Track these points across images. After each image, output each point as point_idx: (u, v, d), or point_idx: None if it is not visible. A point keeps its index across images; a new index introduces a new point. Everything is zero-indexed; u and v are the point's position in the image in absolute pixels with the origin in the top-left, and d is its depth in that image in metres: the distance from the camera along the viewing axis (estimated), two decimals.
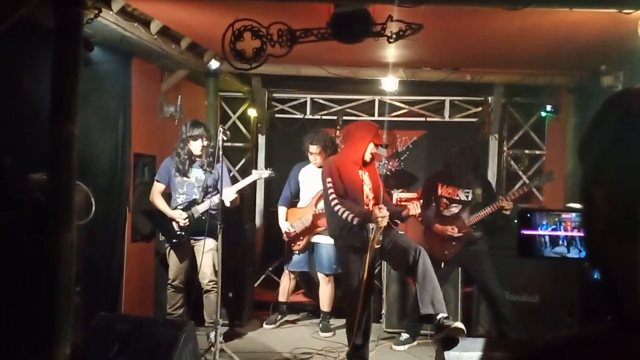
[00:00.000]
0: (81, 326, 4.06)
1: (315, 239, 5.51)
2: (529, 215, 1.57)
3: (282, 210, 5.65)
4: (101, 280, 4.95)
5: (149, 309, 5.55)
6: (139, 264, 5.56)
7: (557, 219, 1.52)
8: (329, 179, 4.19)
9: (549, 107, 6.31)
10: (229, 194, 4.70)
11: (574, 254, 1.56)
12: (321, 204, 5.40)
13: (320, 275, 5.55)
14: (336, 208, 4.12)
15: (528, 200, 6.74)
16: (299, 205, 5.64)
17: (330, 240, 5.37)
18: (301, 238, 5.49)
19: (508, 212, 4.77)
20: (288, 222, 5.54)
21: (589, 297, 4.67)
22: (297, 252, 5.54)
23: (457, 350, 3.57)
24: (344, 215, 4.08)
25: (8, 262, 3.53)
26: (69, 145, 3.32)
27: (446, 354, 3.54)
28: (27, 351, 3.40)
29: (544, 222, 1.48)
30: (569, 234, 1.53)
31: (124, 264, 5.26)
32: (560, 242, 1.56)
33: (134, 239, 5.47)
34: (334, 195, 4.14)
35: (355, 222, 4.05)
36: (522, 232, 1.55)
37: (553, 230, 1.55)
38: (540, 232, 1.59)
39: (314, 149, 5.49)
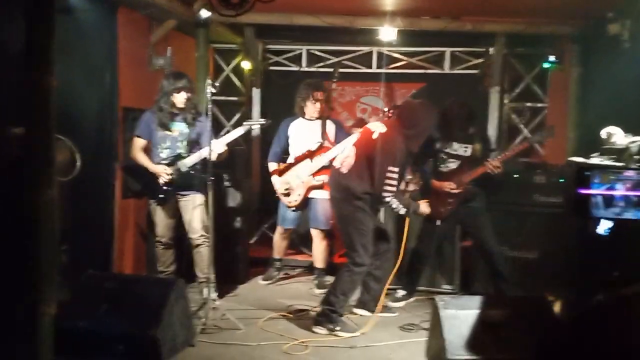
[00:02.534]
0: (69, 285, 3.99)
1: (312, 194, 5.37)
2: (586, 173, 1.40)
3: (273, 166, 5.50)
4: (91, 238, 4.85)
5: (143, 266, 5.47)
6: (131, 221, 5.45)
7: (613, 178, 1.36)
8: (395, 161, 4.13)
9: (552, 58, 6.08)
10: (218, 146, 4.54)
11: (630, 214, 1.42)
12: (318, 159, 5.26)
13: (314, 232, 5.44)
14: (388, 196, 4.15)
15: (529, 155, 6.59)
16: (289, 160, 5.48)
17: (326, 195, 5.27)
18: (298, 194, 5.35)
19: (495, 173, 4.63)
20: (280, 178, 5.40)
21: (588, 252, 4.57)
22: (293, 209, 5.41)
23: (453, 308, 3.48)
24: (393, 204, 4.20)
25: None
26: (45, 96, 3.14)
27: (442, 311, 3.48)
28: (11, 312, 3.30)
29: (597, 181, 1.33)
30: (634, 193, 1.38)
31: (115, 221, 5.15)
32: (616, 202, 1.41)
33: (125, 195, 5.34)
34: (394, 182, 4.14)
35: (400, 212, 4.27)
36: (579, 191, 1.39)
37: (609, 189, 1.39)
38: (602, 191, 1.43)
39: (319, 95, 5.31)
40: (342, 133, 5.40)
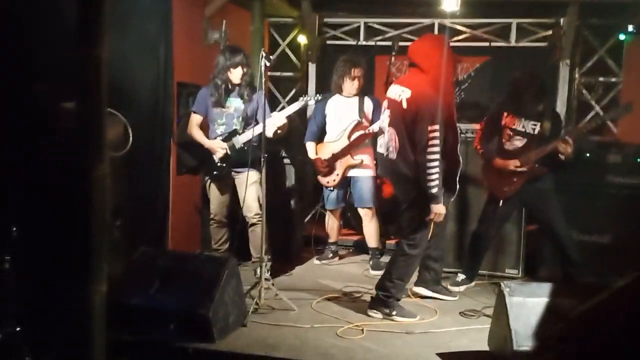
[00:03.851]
0: (122, 260, 3.95)
1: (352, 172, 5.21)
2: None
3: (310, 146, 5.36)
4: (146, 214, 4.81)
5: (197, 243, 5.43)
6: (185, 197, 5.40)
7: None
8: (433, 117, 3.72)
9: (631, 28, 5.64)
10: (278, 120, 4.41)
11: None
12: (356, 135, 5.08)
13: (362, 211, 5.27)
14: (433, 160, 3.75)
15: (601, 133, 6.20)
16: (326, 139, 5.32)
17: (369, 173, 5.10)
18: (336, 173, 5.19)
19: (564, 154, 4.28)
20: (318, 157, 5.25)
21: None
22: (331, 188, 5.26)
23: (521, 295, 3.25)
24: (433, 174, 3.75)
25: (42, 196, 3.40)
26: (97, 70, 3.05)
27: (509, 299, 3.24)
28: (62, 288, 3.28)
29: None
30: None
31: (170, 197, 5.10)
32: None
33: (180, 171, 5.28)
34: (437, 142, 3.74)
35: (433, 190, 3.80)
36: None
37: None
38: None
39: (357, 72, 5.14)
40: (378, 111, 5.18)
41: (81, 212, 3.15)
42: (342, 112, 5.24)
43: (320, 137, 5.38)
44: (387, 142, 4.02)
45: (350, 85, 5.17)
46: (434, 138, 3.74)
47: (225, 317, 3.67)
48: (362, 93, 5.27)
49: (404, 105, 3.87)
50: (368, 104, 5.26)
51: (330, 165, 5.21)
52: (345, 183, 5.27)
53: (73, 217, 3.20)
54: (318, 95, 4.71)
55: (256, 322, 3.91)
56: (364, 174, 5.18)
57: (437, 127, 3.74)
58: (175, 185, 5.18)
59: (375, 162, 5.22)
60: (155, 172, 4.97)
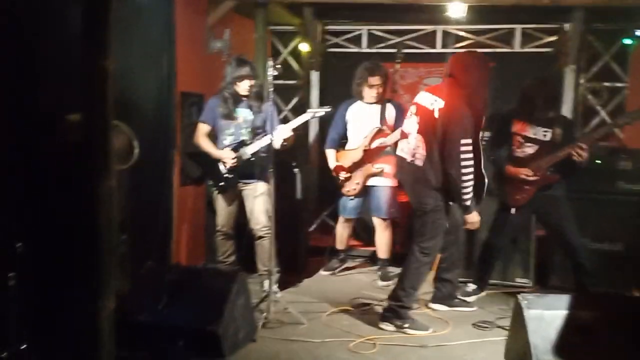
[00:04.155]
0: (129, 276, 3.87)
1: (371, 181, 5.11)
2: None
3: (331, 153, 5.26)
4: (149, 227, 4.71)
5: (200, 256, 5.35)
6: (189, 209, 5.33)
7: None
8: (465, 131, 3.77)
9: (638, 32, 5.58)
10: (285, 132, 4.33)
11: None
12: (377, 142, 5.00)
13: (377, 221, 5.17)
14: (467, 173, 3.79)
15: (606, 139, 6.13)
16: (347, 146, 5.22)
17: (388, 182, 5.01)
18: (356, 182, 5.10)
19: (580, 160, 4.21)
20: (338, 164, 5.16)
21: None
22: (351, 197, 5.16)
23: (539, 308, 3.17)
24: (466, 187, 3.80)
25: (46, 212, 3.31)
26: (103, 81, 2.98)
27: (527, 312, 3.16)
28: (69, 305, 3.19)
29: None
30: None
31: (173, 209, 5.01)
32: None
33: (183, 182, 5.21)
34: (470, 155, 3.79)
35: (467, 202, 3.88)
36: None
37: None
38: None
39: (375, 80, 5.01)
40: (402, 117, 5.08)
41: (88, 228, 3.07)
42: (364, 118, 5.12)
43: (341, 144, 5.27)
44: (414, 148, 4.00)
45: (369, 93, 5.06)
46: (466, 152, 3.76)
47: (235, 332, 3.59)
48: (384, 100, 5.14)
49: (436, 114, 3.88)
50: (390, 111, 5.13)
51: (351, 173, 5.11)
52: (365, 192, 5.14)
53: (80, 233, 3.13)
54: (325, 107, 4.59)
55: (266, 337, 3.83)
56: (383, 183, 5.06)
57: (469, 140, 3.76)
58: (178, 196, 5.10)
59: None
60: (159, 183, 4.88)
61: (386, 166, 5.05)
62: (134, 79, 4.33)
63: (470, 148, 3.77)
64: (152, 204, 4.75)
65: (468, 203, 3.88)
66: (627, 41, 6.00)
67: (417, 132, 3.99)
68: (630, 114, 4.28)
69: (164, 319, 3.51)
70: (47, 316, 3.26)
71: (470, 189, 3.83)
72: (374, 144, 5.04)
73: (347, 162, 5.14)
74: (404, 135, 4.14)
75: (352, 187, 5.13)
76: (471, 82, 3.88)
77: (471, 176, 3.81)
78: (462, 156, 3.75)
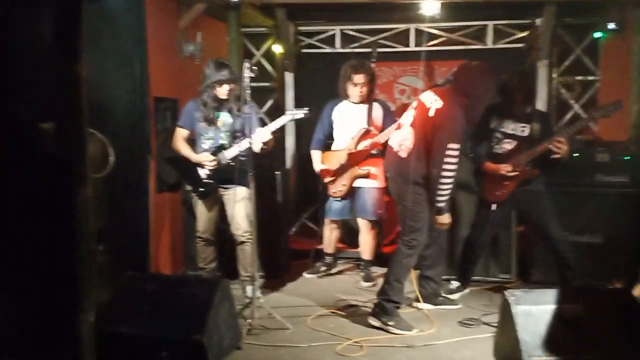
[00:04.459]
0: (108, 287, 3.77)
1: (357, 183, 5.04)
2: None
3: (316, 154, 5.17)
4: (127, 236, 4.61)
5: (179, 263, 5.25)
6: (166, 216, 5.23)
7: None
8: (456, 136, 3.81)
9: (611, 26, 5.64)
10: (264, 135, 4.25)
11: None
12: (364, 144, 4.95)
13: (362, 222, 5.12)
14: (448, 177, 3.84)
15: (582, 132, 6.19)
16: (333, 147, 5.15)
17: (375, 184, 4.97)
18: (342, 183, 5.04)
19: (561, 153, 4.23)
20: (324, 166, 5.09)
21: None
22: (338, 198, 5.10)
23: (527, 303, 3.17)
24: (445, 190, 3.88)
25: (22, 224, 3.20)
26: (76, 88, 2.89)
27: (514, 308, 3.16)
28: (49, 319, 3.08)
29: None
30: None
31: (150, 217, 4.91)
32: None
33: (160, 189, 5.12)
34: (454, 160, 3.82)
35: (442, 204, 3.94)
36: None
37: None
38: None
39: (359, 78, 4.93)
40: (389, 117, 5.05)
41: (65, 239, 2.98)
42: (350, 118, 5.04)
43: (327, 144, 5.20)
44: (403, 140, 4.05)
45: (353, 92, 4.99)
46: (451, 156, 3.79)
47: (220, 341, 3.51)
48: (371, 100, 5.07)
49: (431, 113, 3.93)
50: (377, 110, 5.06)
51: (337, 174, 5.04)
52: (351, 193, 5.07)
53: (57, 245, 3.03)
54: (304, 109, 4.50)
55: (251, 344, 3.77)
56: (369, 185, 5.00)
57: (457, 146, 3.79)
58: (155, 203, 5.00)
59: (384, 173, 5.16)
60: (135, 191, 4.78)
61: (372, 168, 4.99)
62: (107, 86, 4.24)
63: (457, 153, 3.80)
64: (128, 212, 4.65)
65: (442, 205, 3.93)
66: (598, 35, 6.06)
67: (410, 125, 4.04)
68: (606, 106, 4.30)
69: (146, 330, 3.42)
70: (27, 330, 3.15)
71: (447, 192, 3.90)
72: (361, 146, 4.98)
73: (333, 163, 5.07)
74: (398, 127, 4.20)
75: (338, 188, 5.07)
76: (474, 93, 3.92)
77: (451, 180, 3.86)
78: (447, 159, 3.78)
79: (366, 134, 4.99)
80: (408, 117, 4.09)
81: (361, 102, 5.02)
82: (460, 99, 3.90)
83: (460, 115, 3.84)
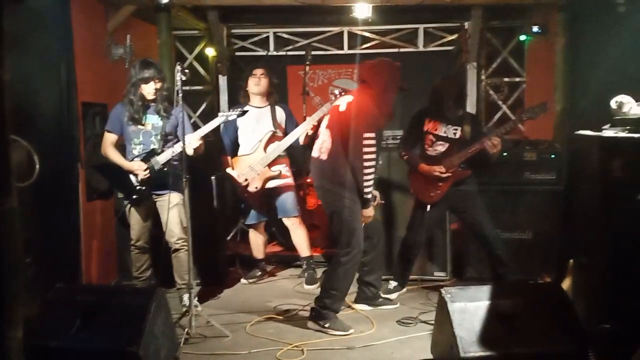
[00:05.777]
0: (37, 300, 3.61)
1: (271, 184, 5.02)
2: None
3: (226, 160, 5.15)
4: (56, 247, 4.43)
5: (113, 273, 5.09)
6: (97, 225, 5.06)
7: None
8: (369, 125, 3.84)
9: (535, 28, 5.86)
10: (193, 140, 4.17)
11: None
12: (272, 147, 4.95)
13: (288, 221, 5.11)
14: (368, 166, 3.86)
15: (510, 132, 6.39)
16: (240, 152, 5.10)
17: (288, 182, 5.03)
18: (255, 186, 5.00)
19: (494, 152, 4.35)
20: (236, 171, 5.05)
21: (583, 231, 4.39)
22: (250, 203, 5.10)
23: (462, 300, 3.23)
24: (368, 180, 3.88)
25: None
26: None
27: (450, 305, 3.22)
28: None
29: None
30: None
31: (81, 226, 4.74)
32: None
33: (90, 197, 4.94)
34: (372, 150, 3.84)
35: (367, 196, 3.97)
36: None
37: None
38: None
39: (258, 71, 5.03)
40: (291, 120, 5.12)
41: None
42: (255, 123, 5.04)
43: (235, 150, 5.15)
44: (322, 143, 4.11)
45: (256, 88, 5.02)
46: (370, 146, 3.82)
47: (156, 352, 3.41)
48: (273, 102, 5.12)
49: (342, 108, 4.03)
50: (280, 113, 5.12)
51: (247, 178, 5.00)
52: (265, 196, 5.06)
53: None
54: (236, 109, 4.44)
55: (189, 354, 3.69)
56: (282, 183, 5.02)
57: (372, 135, 3.82)
58: (86, 212, 4.83)
59: (293, 170, 5.21)
60: (64, 199, 4.61)
61: (282, 167, 5.04)
62: (31, 90, 4.07)
63: (373, 142, 3.85)
64: (57, 221, 4.47)
65: (368, 197, 3.97)
66: (523, 37, 6.28)
67: (326, 127, 4.12)
68: (533, 108, 4.45)
69: (78, 344, 3.28)
70: None
71: (371, 183, 3.93)
72: (270, 148, 4.98)
73: (243, 168, 5.03)
74: (318, 135, 4.22)
75: (251, 192, 5.03)
76: (381, 85, 4.00)
77: (372, 170, 3.91)
78: (365, 150, 3.83)
79: (273, 136, 5.02)
80: (325, 122, 4.20)
81: (266, 106, 5.08)
82: (368, 91, 4.00)
83: (371, 106, 3.92)
